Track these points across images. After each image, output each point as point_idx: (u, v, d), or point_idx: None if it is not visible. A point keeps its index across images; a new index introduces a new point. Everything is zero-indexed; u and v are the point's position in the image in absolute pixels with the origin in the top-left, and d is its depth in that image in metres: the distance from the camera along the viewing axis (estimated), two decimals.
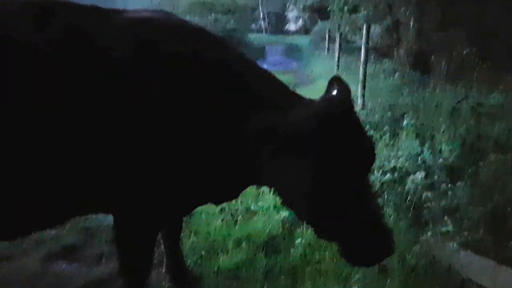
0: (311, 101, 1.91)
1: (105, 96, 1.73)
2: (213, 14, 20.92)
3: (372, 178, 4.01)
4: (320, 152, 1.74)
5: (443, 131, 4.90)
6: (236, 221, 3.44)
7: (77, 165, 1.74)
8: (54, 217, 1.94)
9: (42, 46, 1.69)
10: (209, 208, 3.43)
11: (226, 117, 1.90)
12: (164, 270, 2.73)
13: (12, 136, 1.63)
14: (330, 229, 1.87)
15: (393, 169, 4.10)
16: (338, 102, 1.73)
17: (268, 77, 2.03)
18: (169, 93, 1.81)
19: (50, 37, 1.72)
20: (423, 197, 3.54)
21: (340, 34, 12.96)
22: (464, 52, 8.31)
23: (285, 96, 1.96)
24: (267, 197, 3.77)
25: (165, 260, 2.70)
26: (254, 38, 24.65)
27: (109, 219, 3.31)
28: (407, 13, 10.74)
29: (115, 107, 1.73)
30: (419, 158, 4.22)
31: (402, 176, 3.96)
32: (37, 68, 1.67)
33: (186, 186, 1.95)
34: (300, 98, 1.97)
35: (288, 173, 1.82)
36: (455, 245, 2.90)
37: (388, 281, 2.65)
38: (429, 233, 3.07)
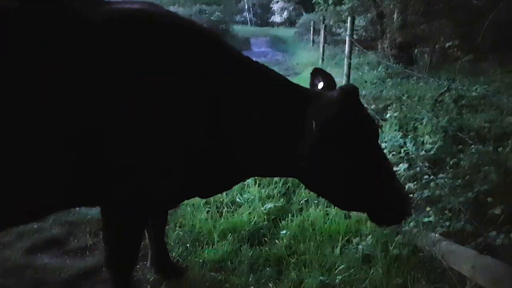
0: (319, 92, 2.00)
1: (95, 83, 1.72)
2: (197, 5, 20.70)
3: None
4: (348, 134, 1.84)
5: (425, 123, 4.96)
6: (221, 213, 3.45)
7: (68, 149, 1.73)
8: (45, 208, 1.93)
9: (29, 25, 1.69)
10: (194, 200, 3.43)
11: (225, 109, 1.92)
12: (149, 263, 2.73)
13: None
14: (363, 200, 1.99)
15: None
16: (352, 88, 1.85)
17: (267, 69, 2.07)
18: (163, 84, 1.82)
19: (36, 21, 1.71)
20: (406, 188, 3.59)
21: (325, 26, 12.98)
22: (447, 44, 8.39)
23: (292, 89, 2.01)
24: (252, 189, 3.78)
25: (149, 253, 2.70)
26: (239, 29, 24.51)
27: (93, 212, 3.30)
28: (391, 5, 10.78)
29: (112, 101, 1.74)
30: (402, 150, 4.27)
31: None
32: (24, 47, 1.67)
33: (179, 176, 1.95)
34: (306, 89, 2.04)
35: (327, 160, 1.88)
36: (436, 235, 2.95)
37: (372, 270, 2.69)
38: (411, 224, 3.12)
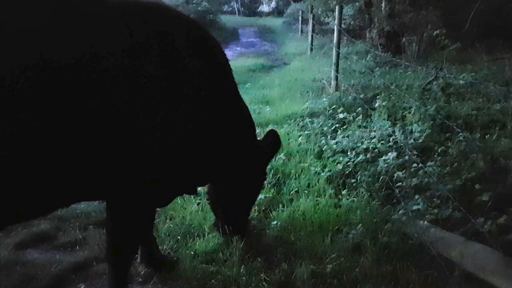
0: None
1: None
2: None
3: (345, 159, 4.06)
4: None
5: (413, 112, 4.98)
6: None
7: (87, 150, 1.72)
8: (53, 203, 1.90)
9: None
10: None
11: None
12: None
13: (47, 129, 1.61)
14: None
15: (366, 150, 4.16)
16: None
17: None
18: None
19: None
20: (395, 176, 3.61)
21: (313, 16, 12.95)
22: (435, 33, 8.42)
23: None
24: None
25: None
26: (227, 20, 24.35)
27: (81, 206, 3.28)
28: None
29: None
30: (391, 139, 4.29)
31: (374, 156, 4.03)
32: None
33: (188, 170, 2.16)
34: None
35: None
36: (425, 222, 2.98)
37: (362, 259, 2.71)
38: (400, 212, 3.15)
